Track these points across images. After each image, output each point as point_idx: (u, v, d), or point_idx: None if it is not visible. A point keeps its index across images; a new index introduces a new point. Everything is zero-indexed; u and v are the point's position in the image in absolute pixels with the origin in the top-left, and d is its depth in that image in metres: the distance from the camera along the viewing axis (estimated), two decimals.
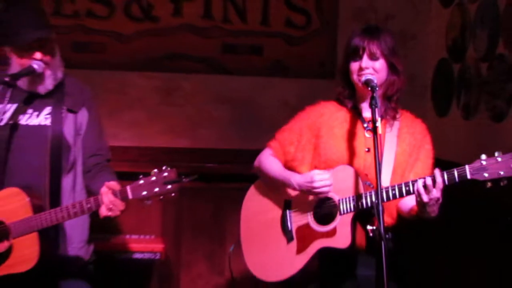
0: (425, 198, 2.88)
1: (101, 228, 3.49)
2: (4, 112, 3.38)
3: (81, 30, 4.70)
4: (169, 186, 2.95)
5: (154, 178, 2.97)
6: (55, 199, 3.33)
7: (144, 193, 2.98)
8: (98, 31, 4.74)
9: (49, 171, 3.33)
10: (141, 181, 2.98)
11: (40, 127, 3.37)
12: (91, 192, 3.39)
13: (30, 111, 3.38)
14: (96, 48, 4.72)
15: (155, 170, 2.99)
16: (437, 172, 2.88)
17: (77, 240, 3.49)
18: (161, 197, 2.99)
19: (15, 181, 3.31)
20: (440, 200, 2.92)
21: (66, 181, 3.40)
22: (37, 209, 3.25)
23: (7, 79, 3.21)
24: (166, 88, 4.88)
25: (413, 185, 2.95)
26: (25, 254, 3.24)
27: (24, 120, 3.36)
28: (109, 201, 3.06)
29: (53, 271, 3.41)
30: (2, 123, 3.35)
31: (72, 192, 3.42)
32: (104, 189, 3.10)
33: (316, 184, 3.14)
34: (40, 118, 3.37)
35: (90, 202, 3.14)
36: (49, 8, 4.65)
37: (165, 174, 2.97)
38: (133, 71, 4.83)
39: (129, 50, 4.80)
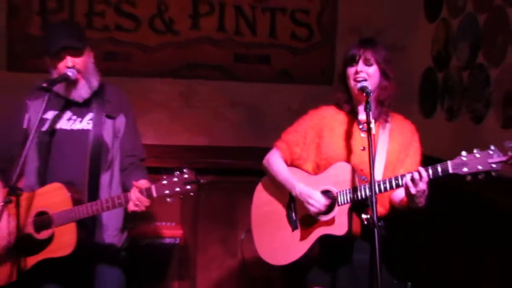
0: (412, 190, 2.91)
1: (129, 216, 3.51)
2: (47, 119, 3.40)
3: (111, 41, 4.72)
4: (189, 187, 3.02)
5: (175, 179, 3.02)
6: (93, 194, 3.37)
7: (167, 192, 3.05)
8: (125, 43, 4.75)
9: (89, 170, 3.36)
10: (164, 181, 3.04)
11: (82, 131, 3.41)
12: (126, 187, 3.44)
13: (74, 117, 3.42)
14: (124, 57, 4.73)
15: (177, 172, 3.04)
16: (421, 168, 2.91)
17: (111, 229, 3.51)
18: (181, 196, 3.05)
19: (58, 179, 3.33)
20: (426, 192, 2.95)
21: (104, 178, 3.43)
22: (76, 202, 3.28)
23: (44, 84, 3.22)
24: (186, 93, 4.89)
25: (401, 179, 2.97)
26: (65, 241, 3.27)
27: (68, 125, 3.40)
28: (136, 198, 3.12)
29: (89, 257, 3.44)
30: (45, 128, 3.38)
31: (109, 188, 3.45)
32: (132, 188, 3.15)
33: (310, 201, 3.19)
34: (83, 123, 3.41)
35: (121, 198, 3.20)
36: (82, 23, 4.66)
37: (185, 175, 3.02)
38: (156, 78, 4.84)
39: (153, 60, 4.81)
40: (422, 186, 2.90)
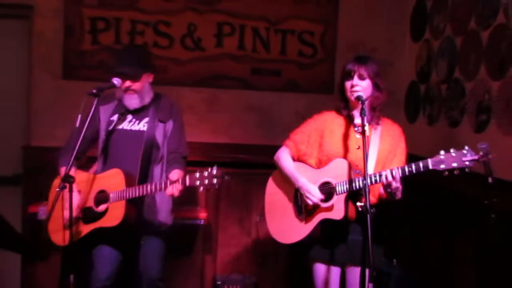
0: (388, 188, 2.98)
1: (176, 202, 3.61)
2: (113, 120, 3.60)
3: None
4: (215, 181, 3.13)
5: (206, 173, 3.13)
6: (142, 181, 3.49)
7: (197, 183, 3.17)
8: (161, 57, 4.74)
9: (140, 162, 3.48)
10: (197, 174, 3.15)
11: (139, 131, 3.57)
12: (167, 176, 3.58)
13: (133, 120, 3.59)
14: (160, 69, 4.70)
15: (208, 168, 3.12)
16: (395, 169, 2.95)
17: (164, 210, 3.64)
18: (208, 187, 3.16)
19: (117, 166, 3.51)
20: (400, 188, 3.01)
21: (157, 170, 3.60)
22: (128, 184, 3.44)
23: (94, 91, 3.31)
24: (210, 99, 4.89)
25: (380, 176, 2.98)
26: (115, 214, 3.42)
27: (129, 126, 3.58)
28: (173, 184, 3.27)
29: (139, 230, 3.59)
30: (111, 127, 3.59)
31: (160, 177, 3.59)
32: (171, 176, 3.35)
33: (308, 195, 3.25)
34: (140, 125, 3.58)
35: (162, 183, 3.30)
36: (125, 40, 4.68)
37: (214, 172, 3.10)
38: (186, 86, 4.83)
39: (183, 71, 4.81)
40: (396, 183, 2.95)
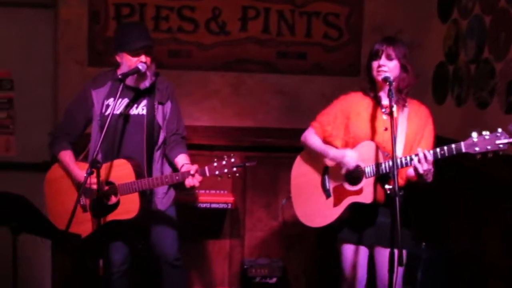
0: (420, 170, 2.94)
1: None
2: (109, 105, 3.50)
3: (174, 41, 4.73)
4: (235, 169, 3.14)
5: (224, 162, 3.13)
6: (150, 167, 3.48)
7: (217, 172, 3.18)
8: (186, 42, 4.75)
9: (146, 147, 3.44)
10: (215, 164, 3.15)
11: (139, 115, 3.48)
12: (168, 159, 3.56)
13: (130, 104, 3.51)
14: (185, 54, 4.74)
15: (226, 156, 3.10)
16: (426, 151, 2.90)
17: (160, 193, 3.60)
18: (229, 175, 3.18)
19: (123, 155, 3.45)
20: (432, 170, 2.97)
21: (157, 154, 3.53)
22: (138, 175, 3.36)
23: (120, 76, 3.31)
24: (235, 83, 4.87)
25: (411, 159, 2.96)
26: (129, 207, 3.39)
27: (127, 110, 3.51)
28: (191, 178, 3.25)
29: (147, 218, 3.60)
30: (107, 112, 3.46)
31: (161, 161, 3.56)
32: (179, 161, 3.31)
33: (346, 158, 3.17)
34: (138, 109, 3.49)
35: (179, 175, 3.33)
36: (150, 25, 4.66)
37: (233, 160, 3.11)
38: (211, 71, 4.82)
39: (208, 56, 4.80)
40: (428, 166, 2.92)
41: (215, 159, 3.19)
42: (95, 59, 4.65)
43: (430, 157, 2.91)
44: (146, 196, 3.50)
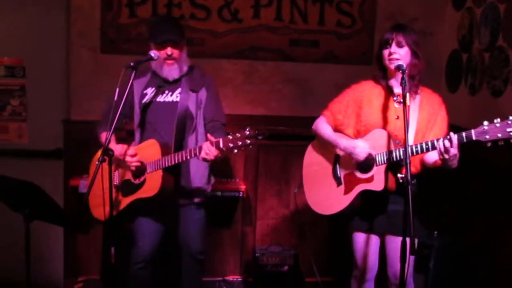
0: (446, 155, 2.87)
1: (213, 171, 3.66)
2: (147, 93, 3.65)
3: (187, 29, 4.64)
4: (248, 141, 3.09)
5: (238, 135, 3.11)
6: (178, 150, 3.48)
7: (231, 144, 3.12)
8: (199, 30, 4.75)
9: (175, 132, 3.49)
10: (230, 137, 3.12)
11: (172, 103, 3.59)
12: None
13: (166, 92, 3.61)
14: (198, 42, 4.74)
15: (241, 130, 3.10)
16: (452, 134, 2.85)
17: (198, 175, 3.66)
18: (242, 148, 3.12)
19: (153, 137, 3.54)
20: (458, 156, 2.90)
21: (191, 139, 3.61)
22: (164, 153, 3.46)
23: (132, 64, 3.36)
24: (248, 71, 4.88)
25: (432, 144, 2.93)
26: (152, 184, 3.45)
27: (162, 98, 3.60)
28: (206, 147, 3.21)
29: (176, 200, 3.65)
30: (144, 100, 3.63)
31: (195, 146, 3.53)
32: (206, 141, 3.28)
33: (357, 150, 3.19)
34: (173, 96, 3.60)
35: (196, 149, 3.31)
36: (163, 13, 4.68)
37: (247, 132, 3.10)
38: (223, 59, 4.83)
39: (221, 44, 4.80)
40: (454, 151, 2.85)
41: (230, 133, 3.19)
42: (108, 46, 4.67)
43: (455, 140, 2.85)
44: (174, 175, 3.55)
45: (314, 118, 3.55)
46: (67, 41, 4.67)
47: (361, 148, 3.20)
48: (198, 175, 3.66)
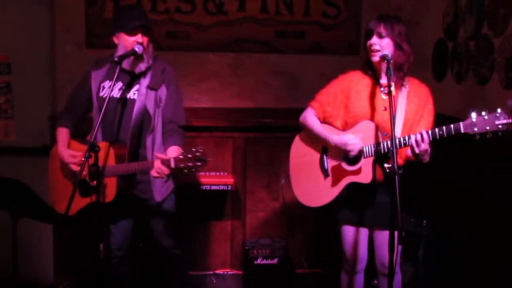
0: (416, 150, 2.94)
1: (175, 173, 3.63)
2: (104, 87, 3.53)
3: (172, 22, 4.71)
4: (199, 163, 3.05)
5: (190, 155, 3.06)
6: (134, 151, 3.45)
7: (182, 165, 3.07)
8: (184, 23, 4.73)
9: (131, 132, 3.42)
10: (181, 157, 3.08)
11: (130, 100, 3.48)
12: (166, 148, 3.49)
13: (123, 87, 3.50)
14: (183, 35, 4.73)
15: (193, 149, 3.06)
16: (423, 131, 2.90)
17: (158, 183, 3.58)
18: (193, 169, 3.09)
19: (108, 137, 3.48)
20: (429, 151, 2.98)
21: (148, 140, 3.50)
22: (119, 159, 3.37)
23: (116, 59, 3.30)
24: (234, 64, 4.87)
25: (409, 139, 2.96)
26: (108, 191, 3.39)
27: (120, 93, 3.49)
28: (157, 167, 3.17)
29: (133, 204, 3.62)
30: (101, 94, 3.52)
31: (152, 147, 3.52)
32: (156, 158, 3.21)
33: (349, 146, 3.17)
34: (130, 93, 3.47)
35: (147, 164, 3.28)
36: (147, 6, 4.65)
37: (198, 154, 3.05)
38: (209, 52, 4.82)
39: (207, 36, 4.78)
40: (424, 146, 2.92)
41: (182, 152, 3.14)
42: (93, 41, 4.65)
43: (426, 137, 2.91)
44: (130, 183, 3.50)
45: (301, 110, 3.53)
46: (52, 37, 4.64)
47: (353, 141, 3.17)
48: (157, 181, 3.57)
